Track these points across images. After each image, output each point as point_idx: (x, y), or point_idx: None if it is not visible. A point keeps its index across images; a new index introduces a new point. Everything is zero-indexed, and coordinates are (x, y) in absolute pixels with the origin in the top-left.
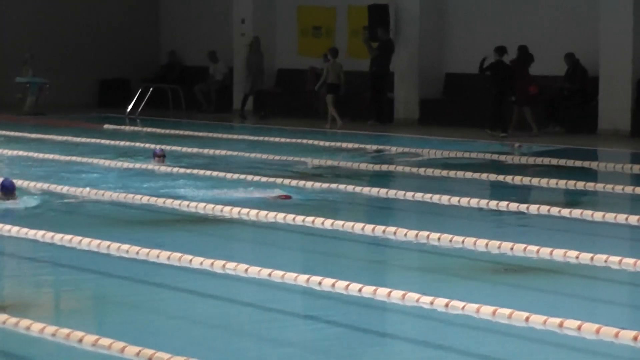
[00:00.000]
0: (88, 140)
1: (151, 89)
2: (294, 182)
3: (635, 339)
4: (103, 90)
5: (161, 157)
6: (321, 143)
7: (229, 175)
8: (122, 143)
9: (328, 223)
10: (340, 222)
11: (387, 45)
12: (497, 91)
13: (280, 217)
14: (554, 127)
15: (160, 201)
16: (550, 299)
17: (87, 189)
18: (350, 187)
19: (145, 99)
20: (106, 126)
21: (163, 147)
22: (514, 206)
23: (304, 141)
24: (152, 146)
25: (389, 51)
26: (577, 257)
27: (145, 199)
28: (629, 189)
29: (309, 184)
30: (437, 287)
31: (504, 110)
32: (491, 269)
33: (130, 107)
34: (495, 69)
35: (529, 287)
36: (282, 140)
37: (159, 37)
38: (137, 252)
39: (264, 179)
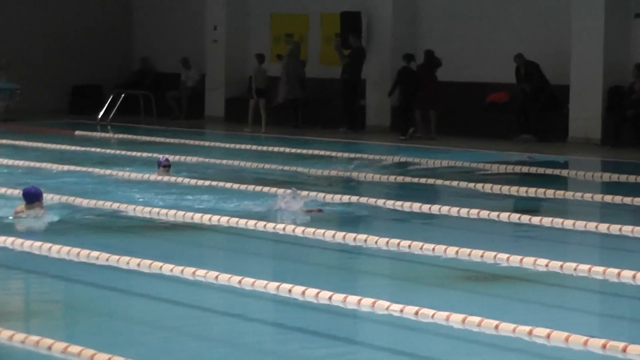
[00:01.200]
0: (59, 146)
1: (123, 95)
2: (266, 189)
3: (604, 347)
4: (75, 97)
5: (166, 167)
6: (293, 150)
7: (201, 182)
8: (93, 149)
9: (299, 231)
10: (312, 230)
11: (359, 53)
12: (404, 97)
13: (251, 224)
14: (525, 135)
15: (130, 208)
16: (520, 306)
17: (58, 195)
18: (321, 195)
19: (117, 105)
20: (78, 132)
21: (168, 157)
22: (484, 214)
23: (276, 149)
24: (132, 153)
25: (360, 58)
26: (546, 265)
27: (115, 206)
28: (598, 197)
29: (272, 189)
30: (407, 295)
31: (413, 115)
32: (461, 276)
33: (102, 113)
34: (402, 76)
35: (498, 295)
36: (254, 147)
37: (131, 43)
38: (107, 259)
39: (242, 187)
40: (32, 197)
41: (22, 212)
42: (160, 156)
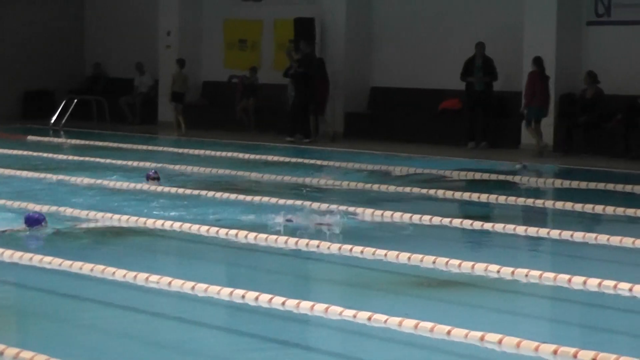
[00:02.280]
0: (11, 151)
1: (75, 100)
2: (219, 195)
3: (555, 352)
4: (27, 102)
5: (155, 179)
6: (246, 156)
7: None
8: (45, 154)
9: (251, 237)
10: (264, 236)
11: (309, 58)
12: (298, 100)
13: (203, 230)
14: (479, 142)
15: (83, 213)
16: (472, 312)
17: (10, 200)
18: (273, 200)
19: (70, 111)
20: (30, 137)
21: (156, 167)
22: (436, 220)
23: (229, 154)
24: (85, 158)
25: (310, 64)
26: (498, 272)
27: (67, 211)
28: (550, 204)
29: (232, 196)
30: (360, 301)
31: (307, 118)
32: (413, 282)
33: (54, 118)
34: (297, 79)
35: (450, 301)
36: (207, 153)
37: (84, 48)
38: (60, 264)
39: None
40: (32, 222)
41: None
42: (151, 171)
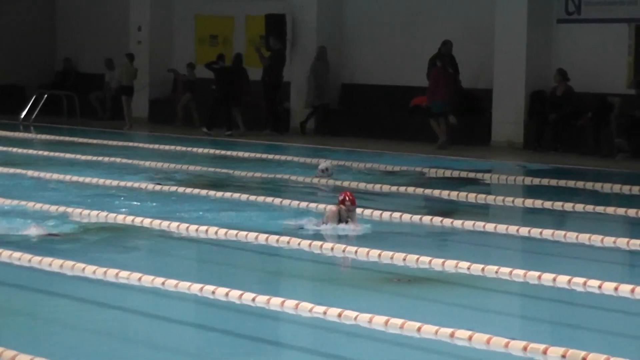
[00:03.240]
0: None
1: (45, 95)
2: (191, 190)
3: (524, 349)
4: None
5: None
6: (217, 152)
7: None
8: (15, 149)
9: (222, 233)
10: (234, 232)
11: (279, 55)
12: (220, 94)
13: (173, 226)
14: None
15: (53, 208)
16: (442, 309)
17: None
18: (244, 196)
19: (40, 106)
20: None
21: (125, 163)
22: (406, 217)
23: (200, 150)
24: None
25: (280, 61)
26: (468, 268)
27: (37, 206)
28: (519, 201)
29: (195, 191)
30: (330, 297)
31: (229, 111)
32: (384, 279)
33: (24, 113)
34: (220, 73)
35: (421, 298)
36: (176, 148)
37: (54, 43)
38: (30, 260)
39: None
40: None
41: None
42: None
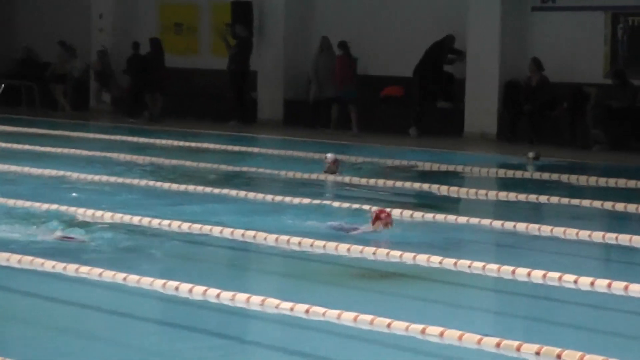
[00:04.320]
0: None
1: (3, 85)
2: (160, 184)
3: (498, 345)
4: None
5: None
6: (181, 144)
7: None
8: None
9: (185, 227)
10: (198, 226)
11: (245, 43)
12: (135, 82)
13: (136, 220)
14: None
15: (10, 202)
16: (413, 304)
17: None
18: (208, 189)
19: None
20: None
21: (88, 155)
22: (376, 210)
23: (164, 142)
24: (12, 145)
25: (246, 49)
26: (440, 262)
27: None
28: (493, 194)
29: (157, 184)
30: (297, 293)
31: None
32: (354, 274)
33: None
34: (132, 62)
35: (391, 293)
36: (139, 140)
37: (14, 31)
38: None
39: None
40: None
41: None
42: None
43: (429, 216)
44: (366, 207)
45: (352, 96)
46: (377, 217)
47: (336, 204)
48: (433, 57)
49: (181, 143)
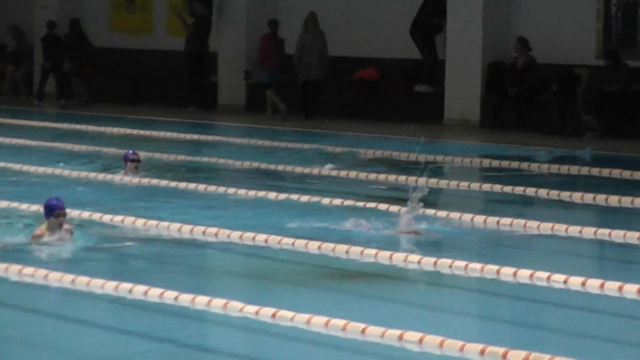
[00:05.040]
0: None
1: None
2: (97, 177)
3: (482, 352)
4: None
5: (135, 161)
6: (135, 132)
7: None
8: None
9: (140, 223)
10: (154, 222)
11: (203, 22)
12: (52, 63)
13: (85, 216)
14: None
15: None
16: (390, 308)
17: None
18: (164, 182)
19: None
20: None
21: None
22: (349, 203)
23: (113, 130)
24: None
25: (205, 28)
26: (419, 262)
27: None
28: (476, 186)
29: (108, 177)
30: (263, 296)
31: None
32: (325, 274)
33: None
34: (45, 42)
35: (365, 295)
36: (87, 128)
37: None
38: None
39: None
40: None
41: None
42: (129, 151)
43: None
44: (337, 201)
45: (274, 81)
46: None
47: (304, 198)
48: (428, 10)
49: (134, 131)
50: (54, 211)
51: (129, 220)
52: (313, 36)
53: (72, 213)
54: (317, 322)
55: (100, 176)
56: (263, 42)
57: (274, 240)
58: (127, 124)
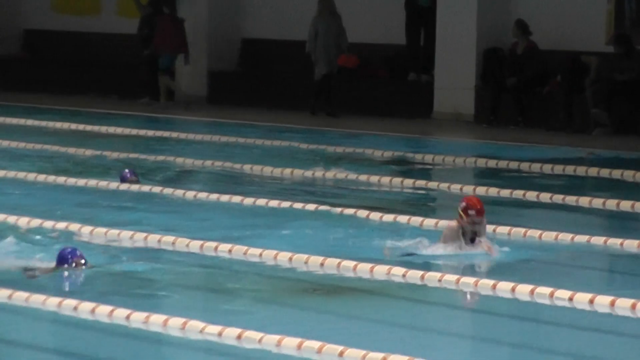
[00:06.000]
0: None
1: None
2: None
3: None
4: None
5: (134, 182)
6: (81, 127)
7: None
8: None
9: (86, 231)
10: (102, 230)
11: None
12: None
13: (22, 223)
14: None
15: None
16: (371, 328)
17: None
18: (114, 184)
19: None
20: None
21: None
22: (323, 208)
23: (57, 125)
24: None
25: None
26: (404, 276)
27: None
28: (469, 188)
29: (49, 178)
30: (228, 314)
31: None
32: (297, 289)
33: None
34: None
35: (344, 314)
36: (31, 123)
37: None
38: None
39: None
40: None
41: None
42: (127, 172)
43: (389, 217)
44: (311, 206)
45: (164, 66)
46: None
47: (274, 202)
48: None
49: (79, 126)
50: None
51: (73, 227)
52: (327, 22)
53: (9, 219)
54: (289, 344)
55: (41, 177)
56: (161, 23)
57: (238, 250)
58: (72, 117)
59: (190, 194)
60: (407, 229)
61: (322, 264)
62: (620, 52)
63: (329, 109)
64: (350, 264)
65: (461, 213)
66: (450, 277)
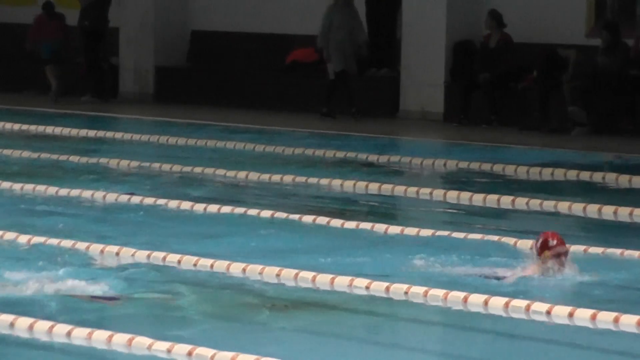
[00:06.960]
0: None
1: None
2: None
3: None
4: None
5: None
6: (17, 127)
7: None
8: None
9: (23, 240)
10: (41, 239)
11: None
12: None
13: None
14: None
15: None
16: (333, 346)
17: None
18: (53, 190)
19: None
20: None
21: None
22: (281, 215)
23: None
24: None
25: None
26: (367, 287)
27: None
28: (439, 194)
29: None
30: (177, 329)
31: None
32: (252, 304)
33: None
34: None
35: (302, 330)
36: None
37: None
38: None
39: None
40: None
41: None
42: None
43: (351, 224)
44: (267, 212)
45: (57, 56)
46: (544, 245)
47: (226, 209)
48: None
49: (15, 126)
50: None
51: (9, 236)
52: (342, 14)
53: None
54: None
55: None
56: (36, 23)
57: (188, 260)
58: (7, 116)
59: (135, 199)
60: (365, 237)
61: (278, 275)
62: (607, 40)
63: (352, 110)
64: (308, 274)
65: (542, 249)
66: (417, 289)
